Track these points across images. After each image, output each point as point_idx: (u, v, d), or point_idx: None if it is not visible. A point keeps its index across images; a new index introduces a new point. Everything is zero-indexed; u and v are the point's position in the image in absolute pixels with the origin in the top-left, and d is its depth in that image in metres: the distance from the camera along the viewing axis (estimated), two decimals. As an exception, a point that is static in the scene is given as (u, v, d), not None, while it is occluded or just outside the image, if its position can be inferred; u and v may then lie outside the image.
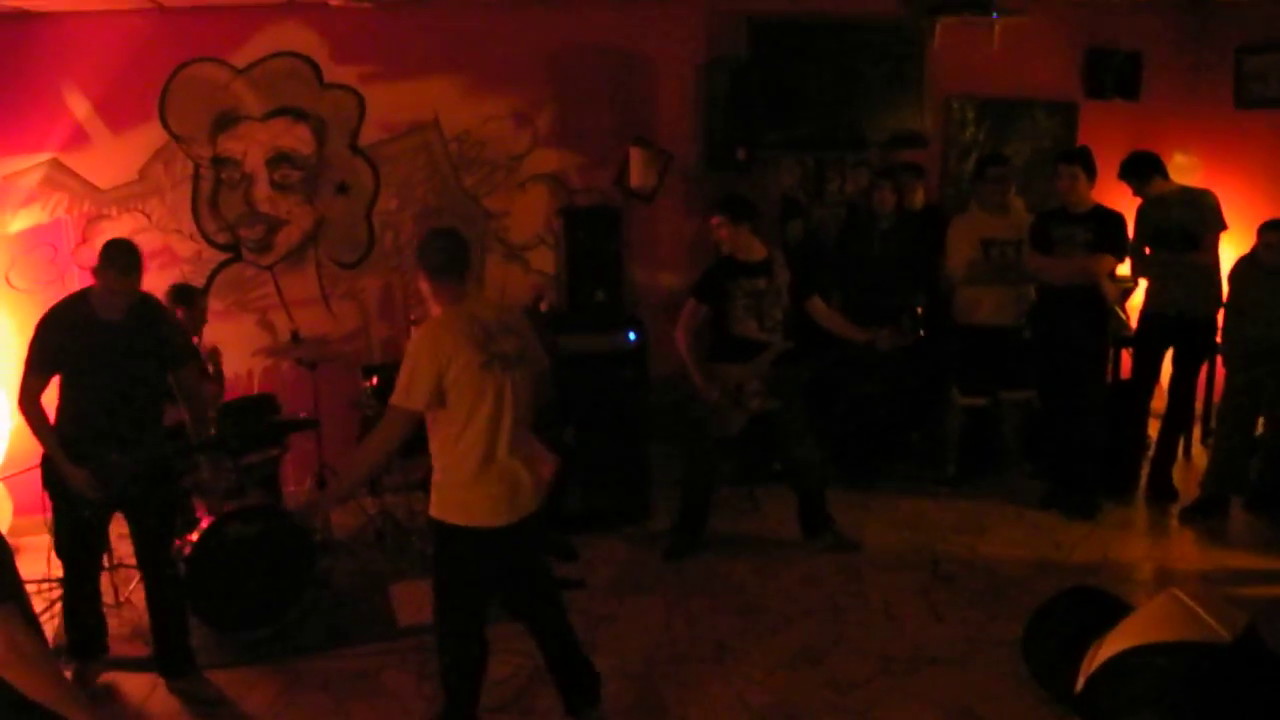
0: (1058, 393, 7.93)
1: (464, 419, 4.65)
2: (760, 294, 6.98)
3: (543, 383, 5.00)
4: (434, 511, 4.79)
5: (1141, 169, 7.75)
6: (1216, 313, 7.90)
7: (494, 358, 4.67)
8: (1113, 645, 1.87)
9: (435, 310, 4.82)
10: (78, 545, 5.56)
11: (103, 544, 5.84)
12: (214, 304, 8.06)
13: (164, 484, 5.69)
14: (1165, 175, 7.78)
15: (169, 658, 5.72)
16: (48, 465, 5.38)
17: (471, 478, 4.70)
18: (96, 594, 5.81)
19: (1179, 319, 7.82)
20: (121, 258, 5.20)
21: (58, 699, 3.06)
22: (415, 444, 7.82)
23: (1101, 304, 7.61)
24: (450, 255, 4.78)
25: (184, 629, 5.78)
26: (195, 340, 7.05)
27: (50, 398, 5.32)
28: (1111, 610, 2.12)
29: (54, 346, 5.23)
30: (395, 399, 4.62)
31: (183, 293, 7.04)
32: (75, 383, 5.33)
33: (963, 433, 8.45)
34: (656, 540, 7.53)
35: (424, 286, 4.83)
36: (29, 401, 5.22)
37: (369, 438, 4.84)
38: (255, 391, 7.89)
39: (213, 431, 6.22)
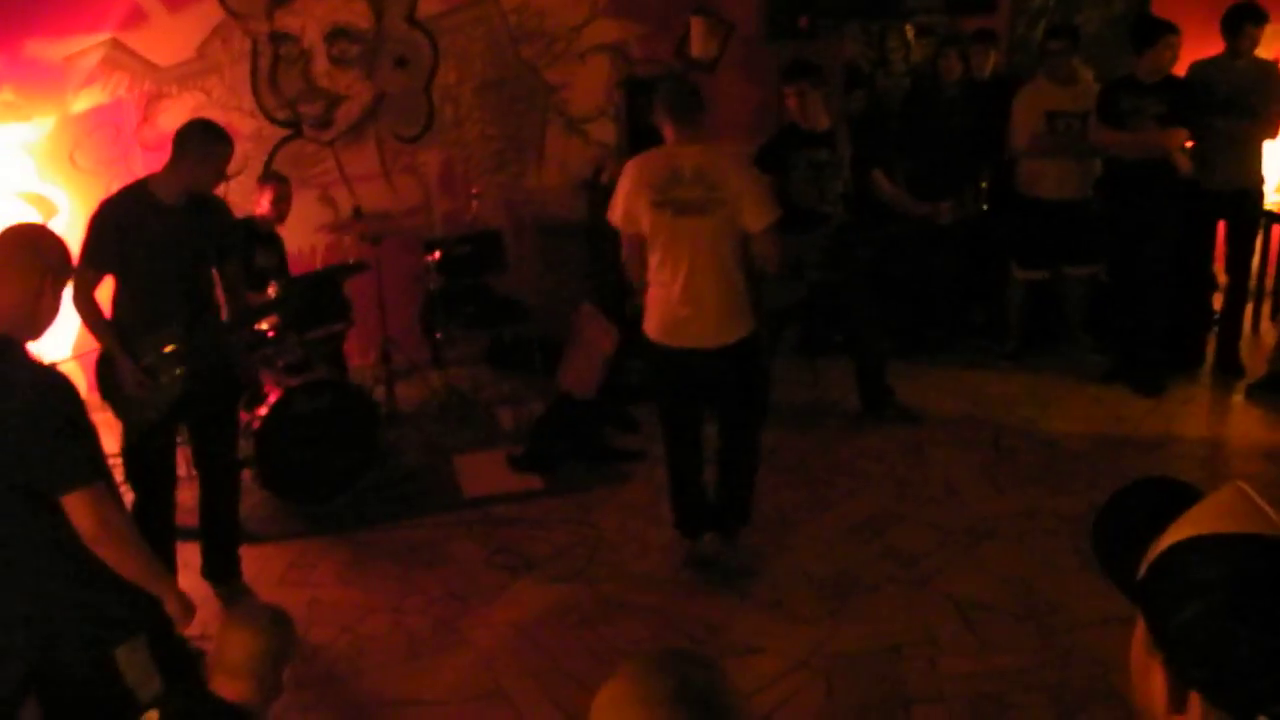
0: (1125, 267, 7.80)
1: (652, 248, 5.29)
2: (821, 165, 6.91)
3: (766, 240, 5.29)
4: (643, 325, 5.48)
5: (1233, 20, 7.53)
6: (1262, 184, 7.76)
7: (668, 201, 5.15)
8: (1173, 535, 1.84)
9: None
10: (142, 467, 5.25)
11: (170, 466, 5.39)
12: (275, 181, 8.13)
13: (222, 384, 5.43)
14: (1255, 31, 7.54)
15: (215, 564, 5.60)
16: (103, 372, 5.14)
17: (655, 300, 5.37)
18: (167, 526, 5.35)
19: (1230, 191, 7.68)
20: (224, 132, 5.10)
21: (146, 574, 3.17)
22: (478, 318, 7.94)
23: (1173, 177, 7.45)
24: (675, 102, 5.29)
25: (234, 538, 5.67)
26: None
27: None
28: (1184, 500, 2.08)
29: (110, 239, 4.99)
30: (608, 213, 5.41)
31: (277, 174, 7.25)
32: (136, 270, 5.08)
33: (1024, 307, 8.35)
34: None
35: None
36: (82, 295, 4.95)
37: None
38: (319, 267, 7.93)
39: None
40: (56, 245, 3.21)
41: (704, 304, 5.23)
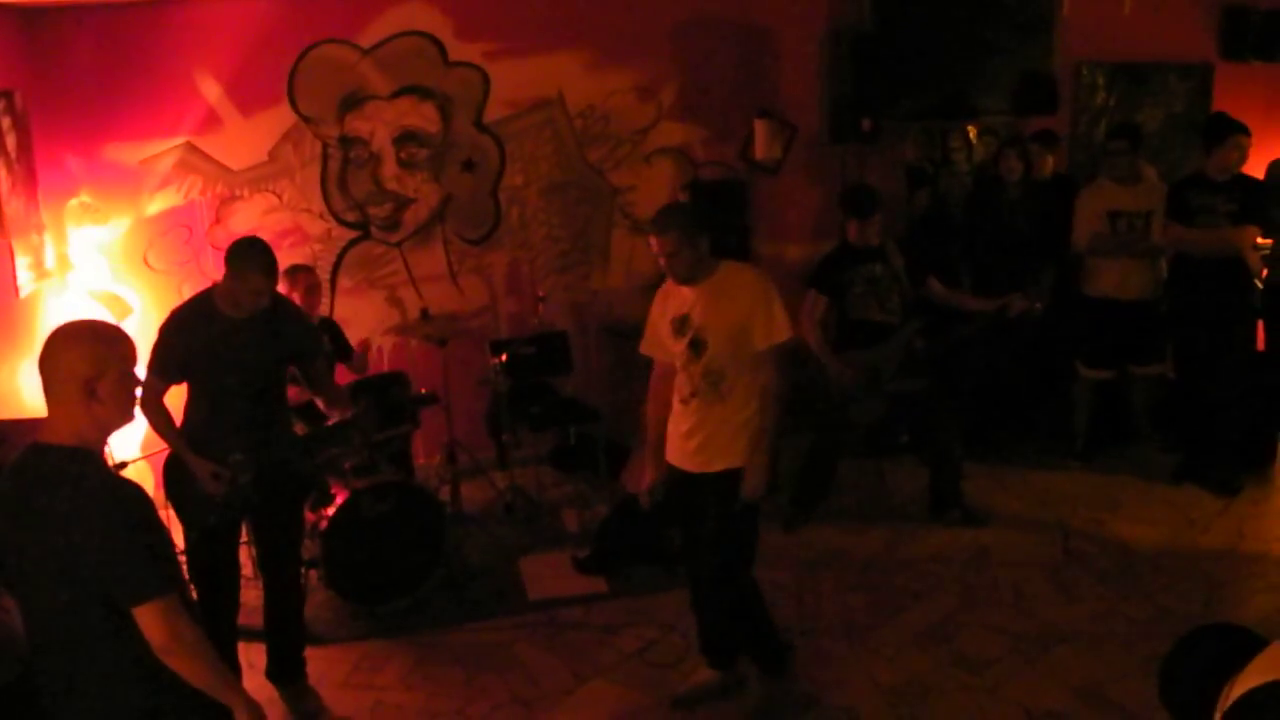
0: (1197, 365, 7.72)
1: None
2: (877, 280, 6.96)
3: None
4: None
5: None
6: None
7: None
8: (1246, 682, 1.81)
9: (706, 267, 5.00)
10: (206, 567, 5.25)
11: (233, 568, 5.46)
12: (343, 282, 8.25)
13: (289, 491, 5.50)
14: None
15: (280, 666, 5.61)
16: (170, 473, 5.22)
17: None
18: (230, 626, 5.37)
19: None
20: (262, 260, 5.05)
21: (216, 685, 3.17)
22: (543, 419, 7.98)
23: (1245, 274, 7.41)
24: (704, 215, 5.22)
25: (299, 640, 5.68)
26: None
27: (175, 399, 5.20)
28: (1249, 647, 2.05)
29: (177, 349, 5.06)
30: (789, 332, 5.00)
31: (300, 266, 7.26)
32: (202, 382, 5.15)
33: (1090, 406, 8.28)
34: (784, 514, 7.51)
35: (704, 246, 4.98)
36: (150, 402, 4.99)
37: (781, 384, 5.04)
38: (385, 369, 7.99)
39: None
40: (88, 351, 3.09)
41: None
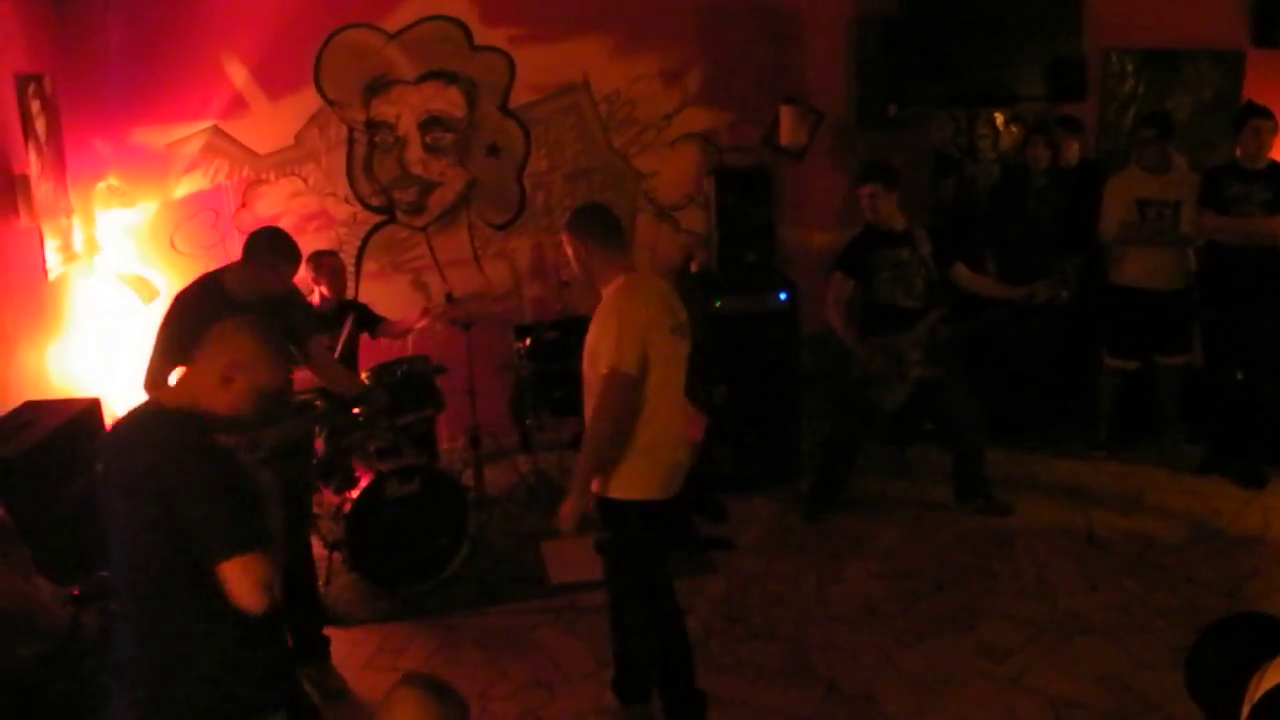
0: (1227, 355, 7.69)
1: (651, 388, 4.61)
2: (904, 264, 6.91)
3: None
4: (613, 491, 4.71)
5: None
6: None
7: (677, 325, 4.72)
8: (1278, 674, 1.80)
9: (601, 278, 4.73)
10: None
11: None
12: (369, 265, 8.28)
13: (291, 470, 5.42)
14: None
15: (301, 645, 5.54)
16: None
17: (651, 449, 4.67)
18: None
19: None
20: (290, 253, 5.14)
21: None
22: (566, 404, 7.97)
23: (1278, 263, 7.35)
24: (614, 224, 4.83)
25: (316, 619, 5.71)
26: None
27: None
28: (1279, 637, 2.04)
29: (185, 331, 4.93)
30: (612, 362, 4.48)
31: (323, 251, 7.29)
32: None
33: (1115, 396, 8.23)
34: (803, 503, 7.50)
35: (588, 256, 4.72)
36: (153, 385, 5.02)
37: (594, 414, 4.62)
38: (409, 353, 8.00)
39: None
40: (256, 349, 3.33)
41: (684, 438, 4.91)
